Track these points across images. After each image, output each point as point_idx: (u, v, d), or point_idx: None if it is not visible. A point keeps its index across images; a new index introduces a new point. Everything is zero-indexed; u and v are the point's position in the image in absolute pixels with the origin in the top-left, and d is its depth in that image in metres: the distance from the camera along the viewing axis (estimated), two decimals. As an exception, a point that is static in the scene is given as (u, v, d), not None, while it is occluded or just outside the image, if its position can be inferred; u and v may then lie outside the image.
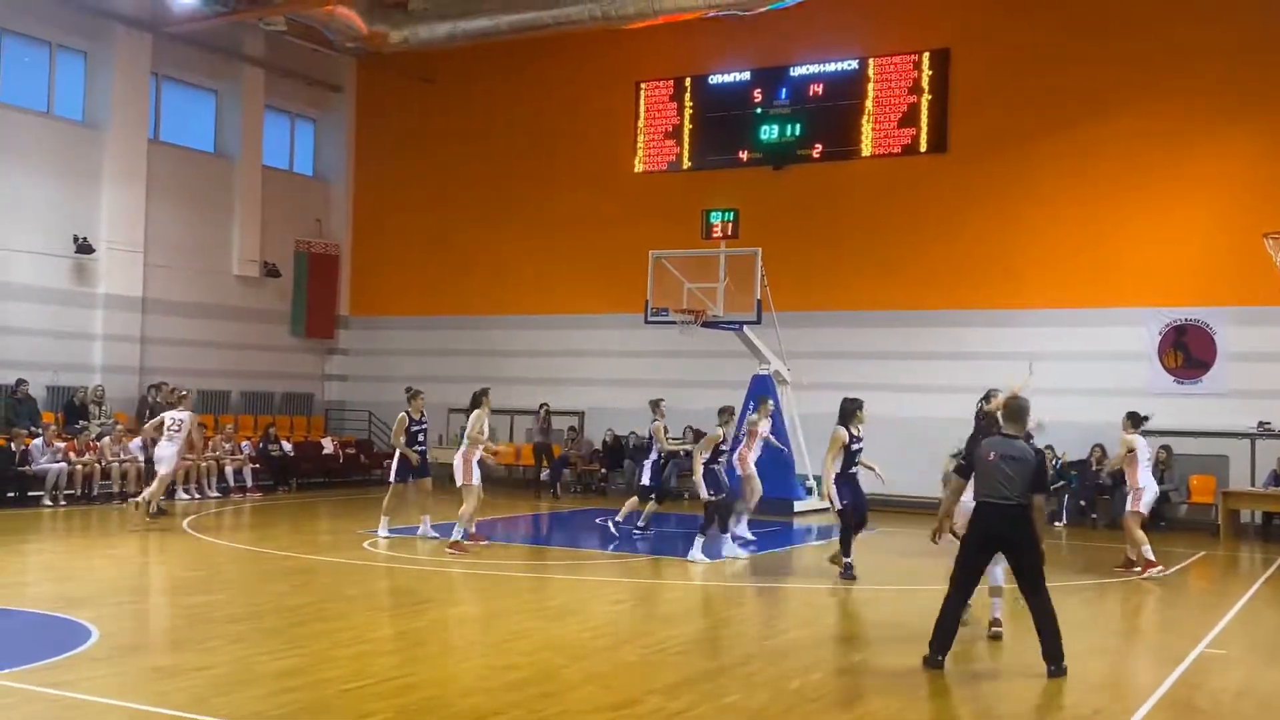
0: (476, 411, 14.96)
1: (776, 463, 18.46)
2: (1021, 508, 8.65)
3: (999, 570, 10.08)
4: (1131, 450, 13.89)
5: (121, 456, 20.05)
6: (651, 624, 10.58)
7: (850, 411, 12.93)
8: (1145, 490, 13.90)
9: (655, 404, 17.18)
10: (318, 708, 7.34)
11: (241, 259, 26.17)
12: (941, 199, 22.66)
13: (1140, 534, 13.79)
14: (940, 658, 8.70)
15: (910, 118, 22.95)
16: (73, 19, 22.75)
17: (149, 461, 18.62)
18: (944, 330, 22.37)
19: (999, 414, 9.17)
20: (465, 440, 14.88)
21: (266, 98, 26.78)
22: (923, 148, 22.87)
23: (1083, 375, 20.96)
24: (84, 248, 22.68)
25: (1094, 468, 20.10)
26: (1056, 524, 20.08)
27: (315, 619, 10.25)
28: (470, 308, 26.98)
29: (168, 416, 17.49)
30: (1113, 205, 21.36)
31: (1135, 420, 14.09)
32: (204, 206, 25.47)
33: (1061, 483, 20.56)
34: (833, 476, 12.73)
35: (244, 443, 22.98)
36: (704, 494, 14.07)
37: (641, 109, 25.43)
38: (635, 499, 16.82)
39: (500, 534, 17.00)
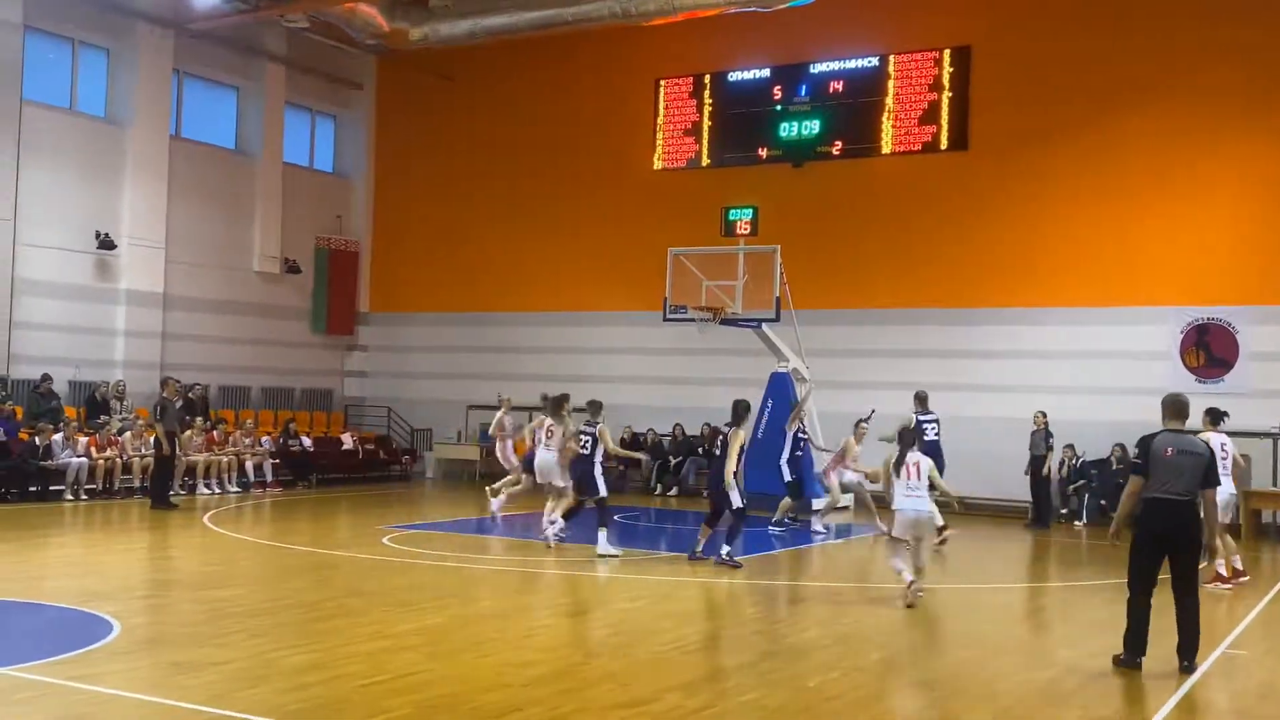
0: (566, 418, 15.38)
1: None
2: (1194, 503, 8.73)
3: (922, 554, 11.27)
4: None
5: (143, 451, 20.17)
6: (669, 621, 10.58)
7: (747, 412, 14.13)
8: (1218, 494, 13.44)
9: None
10: (336, 703, 7.36)
11: (262, 255, 26.28)
12: (962, 196, 22.58)
13: (1230, 541, 13.31)
14: (1138, 660, 8.76)
15: (931, 115, 22.87)
16: (95, 16, 22.88)
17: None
18: (964, 328, 22.30)
19: (1162, 410, 9.15)
20: (561, 442, 15.16)
21: (287, 95, 26.89)
22: (943, 145, 22.79)
23: (1103, 374, 20.86)
24: (106, 243, 22.83)
25: (1114, 467, 20.00)
26: (1077, 523, 20.02)
27: (335, 614, 10.29)
28: (489, 304, 27.02)
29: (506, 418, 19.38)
30: (1134, 203, 21.25)
31: (1214, 417, 13.37)
32: (225, 203, 25.60)
33: (1081, 481, 20.50)
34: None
35: (264, 438, 23.10)
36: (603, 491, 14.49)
37: (661, 106, 25.41)
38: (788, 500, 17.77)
39: (519, 530, 17.04)
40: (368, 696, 7.51)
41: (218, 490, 21.02)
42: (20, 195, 21.52)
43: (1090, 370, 21.06)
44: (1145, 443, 8.96)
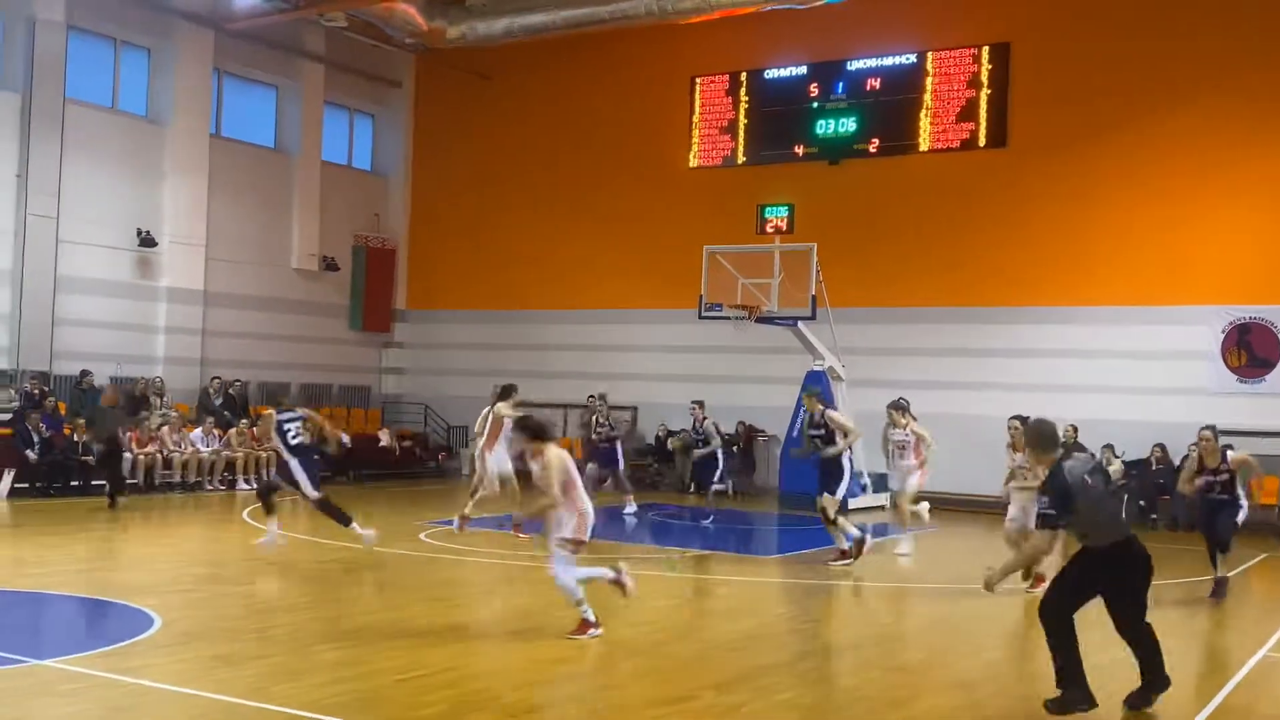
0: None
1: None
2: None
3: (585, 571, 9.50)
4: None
5: (183, 447, 20.38)
6: (704, 620, 10.58)
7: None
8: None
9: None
10: (373, 698, 7.41)
11: (301, 253, 26.47)
12: (1000, 194, 22.43)
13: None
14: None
15: (969, 112, 22.73)
16: (137, 16, 23.12)
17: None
18: (1002, 327, 22.15)
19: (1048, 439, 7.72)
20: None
21: (326, 93, 27.06)
22: (982, 142, 22.65)
23: (1144, 374, 20.66)
24: (147, 241, 23.07)
25: (1154, 467, 19.81)
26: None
27: (372, 610, 10.36)
28: (525, 302, 27.10)
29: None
30: (1175, 201, 21.03)
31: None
32: (264, 201, 25.81)
33: (1121, 483, 20.31)
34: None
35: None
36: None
37: (696, 104, 25.38)
38: None
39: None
40: (405, 691, 7.56)
41: (256, 485, 21.16)
42: (63, 193, 21.79)
43: (1131, 370, 20.86)
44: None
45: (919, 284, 22.89)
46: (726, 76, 25.10)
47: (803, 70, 24.38)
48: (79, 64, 22.45)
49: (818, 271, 20.08)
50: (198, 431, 21.06)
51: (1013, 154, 22.36)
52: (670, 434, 24.32)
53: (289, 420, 13.27)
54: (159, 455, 20.19)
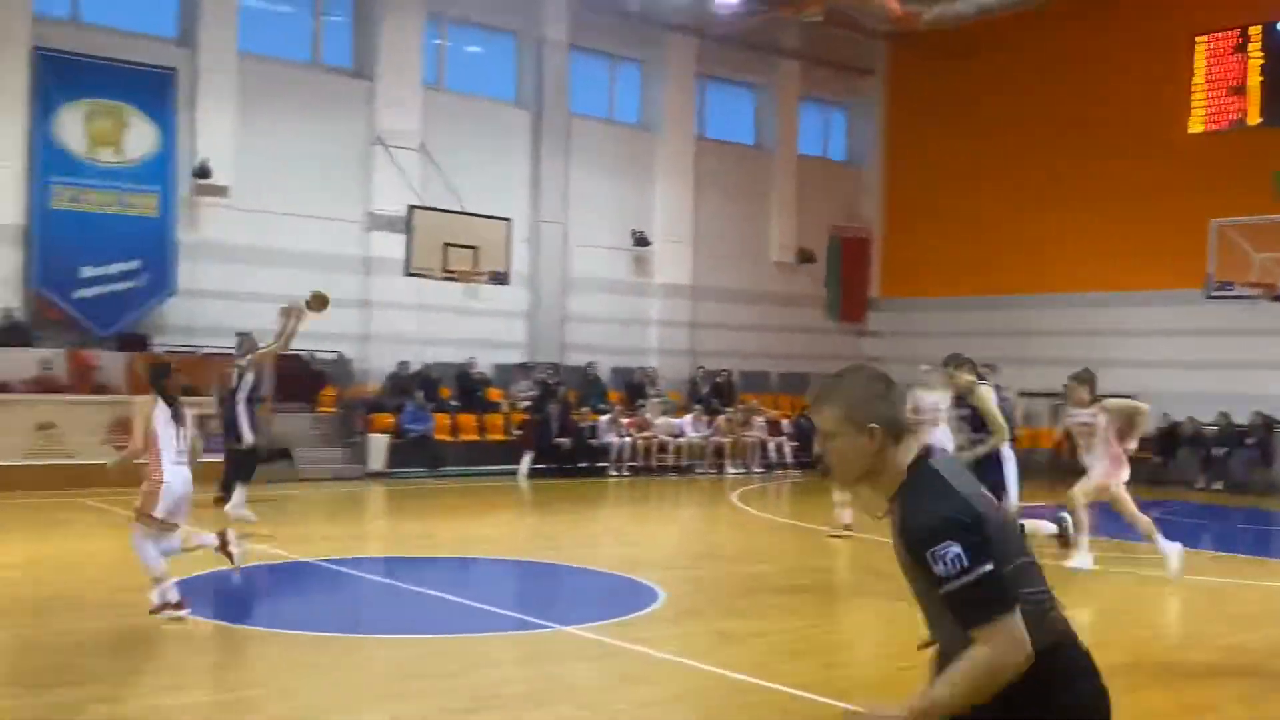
0: None
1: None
2: None
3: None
4: None
5: (672, 433, 21.60)
6: (1221, 627, 9.68)
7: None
8: None
9: None
10: (874, 684, 7.42)
11: (779, 246, 27.17)
12: None
13: None
14: None
15: None
16: (629, 31, 24.71)
17: None
18: None
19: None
20: None
21: (800, 88, 27.57)
22: None
23: None
24: (641, 241, 24.65)
25: None
26: None
27: (860, 593, 10.42)
28: (1003, 287, 26.13)
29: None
30: None
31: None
32: (744, 197, 26.74)
33: None
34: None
35: (783, 421, 23.90)
36: None
37: (1198, 64, 23.28)
38: None
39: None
40: (905, 681, 7.50)
41: (743, 470, 22.06)
42: (570, 200, 23.77)
43: None
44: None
45: None
46: (1234, 32, 22.81)
47: (1327, 16, 21.69)
48: (579, 80, 24.36)
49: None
50: (688, 418, 22.22)
51: None
52: (1175, 425, 22.54)
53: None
54: (655, 440, 21.51)
